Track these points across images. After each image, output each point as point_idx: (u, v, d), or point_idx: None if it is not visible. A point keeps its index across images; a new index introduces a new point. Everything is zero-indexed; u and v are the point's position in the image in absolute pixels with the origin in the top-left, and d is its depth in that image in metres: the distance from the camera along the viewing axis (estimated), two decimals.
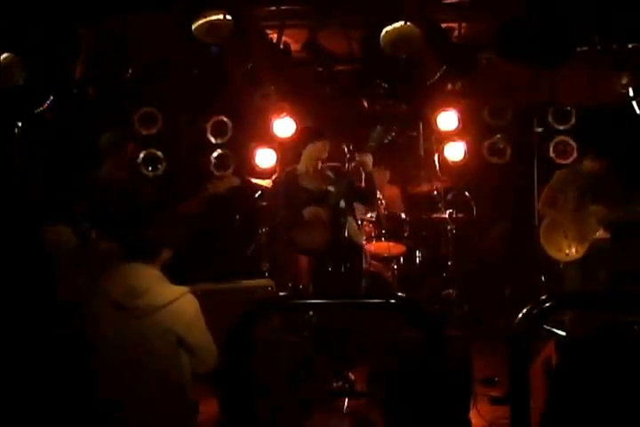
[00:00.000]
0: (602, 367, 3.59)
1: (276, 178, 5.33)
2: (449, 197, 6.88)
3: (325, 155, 5.08)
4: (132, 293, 3.08)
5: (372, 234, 6.35)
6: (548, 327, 4.64)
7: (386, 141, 4.96)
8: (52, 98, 5.64)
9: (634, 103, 5.85)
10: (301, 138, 5.26)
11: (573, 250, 5.14)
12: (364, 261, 5.45)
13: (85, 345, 3.12)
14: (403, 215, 6.57)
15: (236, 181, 5.31)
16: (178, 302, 3.11)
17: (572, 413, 3.53)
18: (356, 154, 5.12)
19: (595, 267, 5.10)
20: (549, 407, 3.54)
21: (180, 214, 4.91)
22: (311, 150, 5.09)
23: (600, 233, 5.07)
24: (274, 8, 5.29)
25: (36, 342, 4.03)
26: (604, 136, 5.59)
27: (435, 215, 6.78)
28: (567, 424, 3.51)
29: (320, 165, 5.09)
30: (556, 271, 5.72)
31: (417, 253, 6.69)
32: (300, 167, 5.20)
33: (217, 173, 6.87)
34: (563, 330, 4.36)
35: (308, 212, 5.01)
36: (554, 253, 5.24)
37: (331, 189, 4.97)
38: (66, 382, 3.50)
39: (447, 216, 6.58)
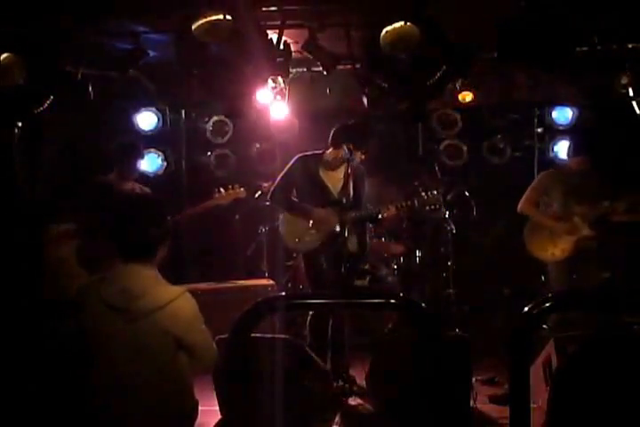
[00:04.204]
0: (602, 367, 3.60)
1: (293, 162, 5.10)
2: (449, 197, 6.88)
3: (343, 154, 4.82)
4: (128, 295, 3.05)
5: (372, 234, 6.34)
6: (548, 327, 4.64)
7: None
8: (51, 98, 5.64)
9: (634, 103, 5.84)
10: (347, 134, 4.91)
11: (558, 250, 5.13)
12: (361, 264, 5.38)
13: (82, 346, 3.10)
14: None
15: (242, 193, 5.27)
16: (175, 302, 3.09)
17: (574, 412, 3.53)
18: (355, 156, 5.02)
19: (581, 267, 5.10)
20: (552, 407, 3.55)
21: (180, 222, 4.92)
22: (342, 151, 4.84)
23: (585, 232, 5.06)
24: (274, 8, 5.29)
25: (34, 341, 4.03)
26: (591, 135, 5.57)
27: (435, 215, 6.77)
28: (571, 423, 3.52)
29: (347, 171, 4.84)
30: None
31: (417, 253, 6.69)
32: (328, 156, 5.00)
33: (217, 173, 6.89)
34: (563, 330, 4.36)
35: (313, 216, 4.91)
36: (539, 253, 5.24)
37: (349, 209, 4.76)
38: (63, 382, 3.50)
39: (447, 216, 6.58)
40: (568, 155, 5.29)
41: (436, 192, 4.94)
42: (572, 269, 5.10)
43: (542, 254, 5.21)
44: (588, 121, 6.64)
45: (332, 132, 4.96)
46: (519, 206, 5.24)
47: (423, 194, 4.92)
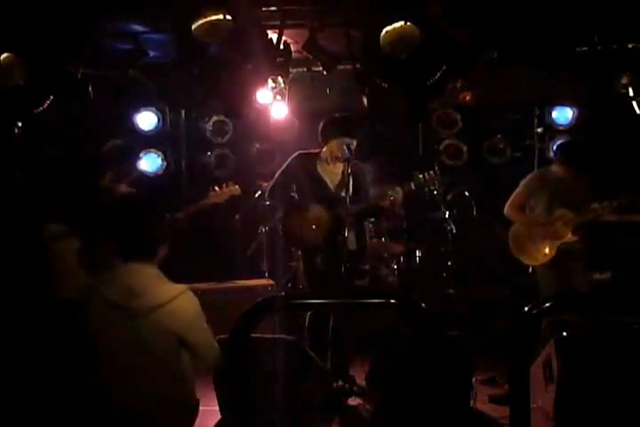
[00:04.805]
0: (602, 367, 3.60)
1: (292, 159, 5.09)
2: (449, 197, 6.88)
3: (343, 154, 4.78)
4: (130, 293, 3.06)
5: (372, 234, 6.34)
6: (547, 328, 4.63)
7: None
8: (51, 98, 5.65)
9: (634, 103, 5.84)
10: (334, 126, 4.89)
11: (541, 254, 5.11)
12: (361, 264, 5.37)
13: (85, 345, 3.11)
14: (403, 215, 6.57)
15: (237, 191, 5.26)
16: (176, 300, 3.09)
17: (579, 413, 3.53)
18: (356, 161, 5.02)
19: (564, 270, 5.08)
20: (557, 409, 3.56)
21: (179, 221, 4.92)
22: (334, 144, 4.83)
23: (567, 238, 5.05)
24: (274, 8, 5.29)
25: (35, 341, 4.03)
26: (576, 144, 5.52)
27: (435, 215, 6.78)
28: (574, 423, 3.52)
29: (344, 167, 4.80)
30: None
31: (417, 253, 6.69)
32: (324, 154, 4.95)
33: (217, 173, 6.89)
34: (563, 330, 4.36)
35: (312, 211, 4.91)
36: (522, 257, 5.22)
37: (347, 201, 4.69)
38: (65, 379, 3.50)
39: (447, 216, 6.58)
40: (554, 158, 5.26)
41: (432, 172, 4.90)
42: (557, 271, 5.07)
43: (526, 258, 5.21)
44: (592, 123, 6.61)
45: (319, 129, 4.95)
46: (505, 209, 5.23)
47: (420, 176, 4.89)
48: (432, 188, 4.97)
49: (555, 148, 5.56)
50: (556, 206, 5.06)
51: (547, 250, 5.08)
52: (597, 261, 5.46)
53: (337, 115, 5.00)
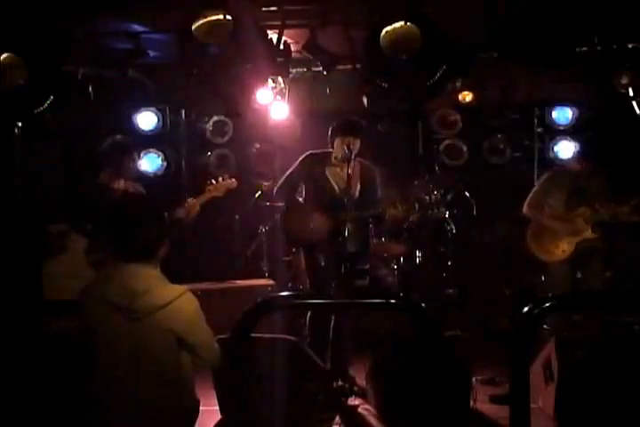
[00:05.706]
0: (602, 367, 3.60)
1: (301, 160, 5.10)
2: (449, 197, 6.88)
3: (342, 154, 4.83)
4: (131, 294, 3.06)
5: (372, 234, 6.33)
6: (548, 327, 4.64)
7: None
8: (52, 98, 5.64)
9: (634, 103, 5.84)
10: (336, 127, 4.96)
11: (561, 251, 5.15)
12: (361, 264, 5.37)
13: (84, 345, 3.11)
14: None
15: (233, 184, 5.29)
16: (177, 301, 3.10)
17: (576, 410, 3.54)
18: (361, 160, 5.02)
19: (584, 266, 5.11)
20: (557, 406, 3.56)
21: (178, 218, 4.93)
22: (335, 144, 4.89)
23: (588, 234, 5.07)
24: (274, 8, 5.29)
25: (35, 341, 4.04)
26: (599, 138, 5.55)
27: (435, 215, 6.77)
28: (574, 422, 3.53)
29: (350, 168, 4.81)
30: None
31: (417, 253, 6.68)
32: (333, 157, 4.99)
33: (217, 173, 6.88)
34: (563, 330, 4.37)
35: (313, 212, 4.90)
36: (542, 254, 5.25)
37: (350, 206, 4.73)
38: (64, 380, 3.50)
39: (447, 216, 6.57)
40: (574, 157, 5.30)
41: (438, 195, 4.94)
42: (575, 269, 5.11)
43: (545, 255, 5.23)
44: (592, 123, 6.62)
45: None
46: (523, 209, 5.28)
47: (426, 197, 4.92)
48: (436, 211, 4.99)
49: (573, 145, 5.59)
50: (574, 203, 5.10)
51: (565, 246, 5.12)
52: (612, 259, 5.49)
53: (343, 119, 5.03)
